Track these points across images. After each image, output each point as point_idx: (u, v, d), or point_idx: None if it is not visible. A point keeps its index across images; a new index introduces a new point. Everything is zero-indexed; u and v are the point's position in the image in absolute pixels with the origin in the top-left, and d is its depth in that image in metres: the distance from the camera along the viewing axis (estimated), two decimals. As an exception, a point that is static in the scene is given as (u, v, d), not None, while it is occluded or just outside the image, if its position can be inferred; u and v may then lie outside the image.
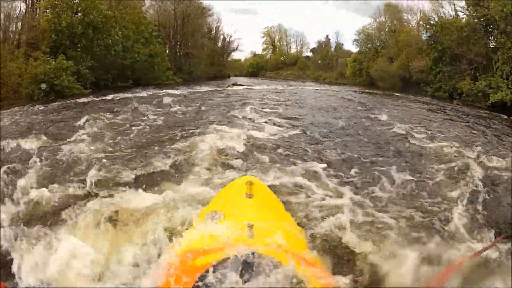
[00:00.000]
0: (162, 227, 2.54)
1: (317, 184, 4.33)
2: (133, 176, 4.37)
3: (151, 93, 15.63)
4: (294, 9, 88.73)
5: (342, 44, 45.58)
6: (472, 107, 17.45)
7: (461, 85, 21.69)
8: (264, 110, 10.91)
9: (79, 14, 17.88)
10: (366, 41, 33.75)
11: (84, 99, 13.20)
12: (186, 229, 2.09)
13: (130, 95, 14.64)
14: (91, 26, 17.94)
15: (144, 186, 3.87)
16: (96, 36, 18.38)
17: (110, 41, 18.95)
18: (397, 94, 22.65)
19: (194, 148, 5.60)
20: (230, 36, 41.43)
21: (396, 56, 28.96)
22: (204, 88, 19.03)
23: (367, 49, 33.03)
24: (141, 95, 14.93)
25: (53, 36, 16.97)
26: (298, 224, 2.49)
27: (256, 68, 49.68)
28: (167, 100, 12.59)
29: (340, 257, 2.75)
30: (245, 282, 1.00)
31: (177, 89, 17.64)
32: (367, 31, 33.87)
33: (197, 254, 1.35)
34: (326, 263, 2.57)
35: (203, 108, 11.07)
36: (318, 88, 24.39)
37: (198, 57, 31.75)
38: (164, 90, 16.66)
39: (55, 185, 3.95)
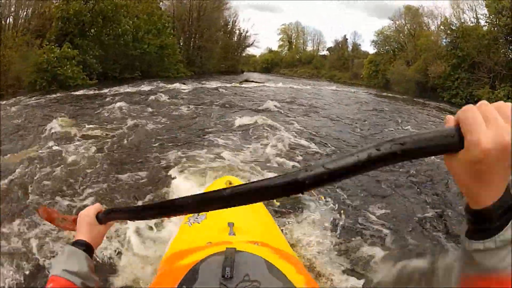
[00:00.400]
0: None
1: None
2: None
3: (154, 87, 15.08)
4: (313, 8, 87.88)
5: (359, 45, 45.10)
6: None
7: (479, 92, 20.88)
8: (283, 119, 9.33)
9: (90, 1, 17.46)
10: (384, 42, 32.84)
11: (82, 92, 12.86)
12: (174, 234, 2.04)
13: (134, 89, 14.04)
14: (101, 15, 17.61)
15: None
16: (105, 25, 18.02)
17: (119, 30, 18.57)
18: (416, 99, 21.91)
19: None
20: (247, 31, 40.94)
21: (413, 60, 28.09)
22: (213, 84, 18.01)
23: (385, 51, 32.13)
24: (146, 88, 14.44)
25: (60, 23, 16.70)
26: (279, 221, 2.62)
27: (270, 64, 49.11)
28: (166, 97, 11.85)
29: (320, 253, 2.96)
30: (228, 278, 0.96)
31: (184, 84, 16.93)
32: (385, 32, 32.92)
33: (180, 256, 1.33)
34: (304, 257, 2.81)
35: (208, 112, 9.76)
36: (336, 89, 23.36)
37: (211, 51, 31.35)
38: (170, 85, 15.95)
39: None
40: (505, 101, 0.44)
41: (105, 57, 17.91)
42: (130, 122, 7.60)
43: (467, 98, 22.09)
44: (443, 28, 26.30)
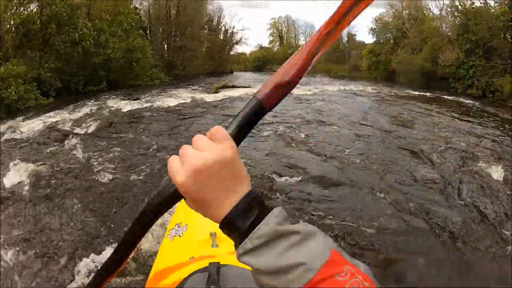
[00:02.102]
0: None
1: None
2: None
3: (101, 105, 12.04)
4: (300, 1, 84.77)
5: (355, 35, 42.43)
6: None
7: (499, 82, 18.21)
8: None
9: (40, 6, 14.50)
10: (383, 30, 29.98)
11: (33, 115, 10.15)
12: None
13: (74, 115, 10.37)
14: (54, 20, 14.73)
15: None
16: (60, 31, 15.08)
17: (76, 36, 15.60)
18: (430, 94, 18.97)
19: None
20: (233, 28, 38.14)
21: (418, 47, 25.37)
22: (181, 96, 14.09)
23: (385, 40, 29.32)
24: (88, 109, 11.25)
25: (9, 36, 13.82)
26: None
27: (262, 62, 46.15)
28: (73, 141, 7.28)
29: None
30: None
31: (138, 99, 13.46)
32: (384, 19, 30.08)
33: (164, 275, 1.30)
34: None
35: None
36: (343, 88, 19.08)
37: (195, 51, 28.51)
38: (120, 102, 12.70)
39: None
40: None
41: (63, 70, 15.05)
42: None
43: (483, 88, 19.47)
44: (450, 10, 23.43)
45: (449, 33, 22.76)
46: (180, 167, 0.46)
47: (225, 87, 16.95)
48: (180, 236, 1.60)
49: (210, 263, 1.00)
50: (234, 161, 0.46)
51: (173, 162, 0.47)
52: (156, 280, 1.29)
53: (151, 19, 26.08)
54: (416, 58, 24.33)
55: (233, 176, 0.46)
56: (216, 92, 15.51)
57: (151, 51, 20.74)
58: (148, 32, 25.49)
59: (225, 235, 0.48)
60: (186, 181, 0.45)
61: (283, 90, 0.51)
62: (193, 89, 16.70)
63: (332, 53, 40.25)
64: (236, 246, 0.46)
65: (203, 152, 0.45)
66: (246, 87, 17.93)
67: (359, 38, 41.51)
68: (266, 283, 0.43)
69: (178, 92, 15.49)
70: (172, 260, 1.39)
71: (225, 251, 1.36)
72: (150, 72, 20.08)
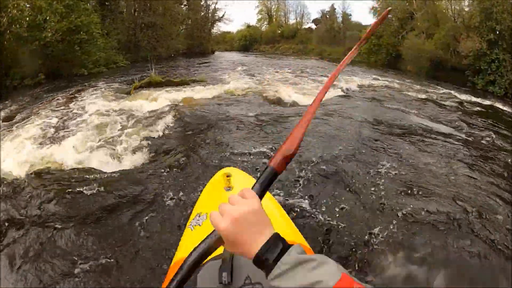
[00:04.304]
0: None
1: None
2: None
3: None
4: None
5: (350, 15, 38.33)
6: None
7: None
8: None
9: None
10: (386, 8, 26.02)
11: None
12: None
13: None
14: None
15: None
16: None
17: (4, 20, 11.53)
18: (442, 88, 14.68)
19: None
20: (216, 3, 33.80)
21: (427, 32, 21.80)
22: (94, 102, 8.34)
23: (389, 21, 25.49)
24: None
25: None
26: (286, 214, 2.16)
27: (249, 41, 42.09)
28: None
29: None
30: (226, 284, 0.98)
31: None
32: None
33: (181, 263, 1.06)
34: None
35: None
36: (351, 88, 11.54)
37: (167, 29, 24.36)
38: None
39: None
40: None
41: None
42: None
43: (505, 88, 16.23)
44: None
45: (464, 19, 19.11)
46: (222, 218, 0.65)
47: (159, 84, 10.34)
48: (199, 225, 1.63)
49: (224, 250, 1.02)
50: (260, 211, 0.67)
51: (215, 215, 0.67)
52: (175, 268, 1.12)
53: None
54: (427, 43, 20.75)
55: (260, 222, 0.65)
56: (133, 99, 8.63)
57: (100, 30, 16.15)
58: (110, 7, 21.20)
59: (257, 267, 0.63)
60: (227, 228, 0.64)
61: (288, 158, 0.76)
62: (102, 95, 9.43)
63: (325, 34, 36.53)
64: (267, 274, 0.61)
65: (238, 206, 0.66)
66: (201, 81, 11.44)
67: (354, 18, 37.70)
68: None
69: (81, 98, 9.25)
70: (190, 249, 1.05)
71: None
72: (96, 57, 15.71)
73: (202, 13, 32.56)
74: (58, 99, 9.07)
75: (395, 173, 4.32)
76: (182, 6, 29.95)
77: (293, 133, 0.77)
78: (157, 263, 2.69)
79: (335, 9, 38.06)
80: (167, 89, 9.76)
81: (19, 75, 12.03)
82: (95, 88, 10.71)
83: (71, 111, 7.68)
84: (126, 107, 7.71)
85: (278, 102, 8.97)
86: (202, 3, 32.46)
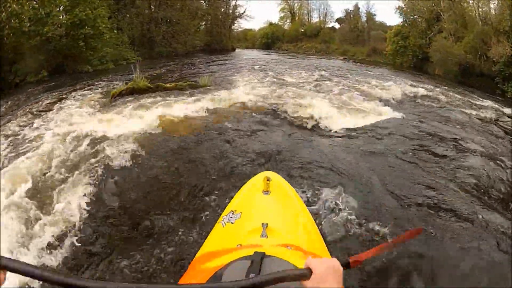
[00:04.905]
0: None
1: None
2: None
3: None
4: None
5: (374, 15, 37.04)
6: None
7: None
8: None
9: None
10: (412, 10, 24.70)
11: None
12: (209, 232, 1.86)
13: None
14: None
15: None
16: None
17: (3, 15, 10.96)
18: (471, 94, 13.40)
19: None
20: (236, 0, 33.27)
21: (454, 34, 20.38)
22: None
23: (415, 21, 24.08)
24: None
25: None
26: (319, 222, 2.46)
27: (271, 39, 41.39)
28: None
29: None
30: None
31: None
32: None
33: (208, 258, 1.34)
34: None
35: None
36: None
37: (182, 24, 23.90)
38: None
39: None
40: None
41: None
42: None
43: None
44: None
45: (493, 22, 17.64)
46: (332, 273, 0.82)
47: (137, 91, 8.28)
48: (232, 223, 1.63)
49: (255, 252, 1.05)
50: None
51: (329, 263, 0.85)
52: (200, 262, 1.33)
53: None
54: (455, 46, 19.37)
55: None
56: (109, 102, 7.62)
57: (108, 24, 15.53)
58: (125, 0, 20.92)
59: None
60: (330, 283, 0.80)
61: (359, 262, 0.96)
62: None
63: (349, 33, 35.42)
64: None
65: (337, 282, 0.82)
66: (180, 89, 8.82)
67: (378, 18, 36.47)
68: None
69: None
70: (219, 245, 1.40)
71: (273, 243, 1.38)
72: (102, 53, 15.13)
73: (222, 9, 32.05)
74: (33, 107, 7.47)
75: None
76: (202, 1, 29.51)
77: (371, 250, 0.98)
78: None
79: (359, 8, 37.07)
80: (152, 97, 7.75)
81: (22, 71, 11.77)
82: (84, 91, 9.34)
83: (30, 127, 5.92)
84: (92, 127, 5.53)
85: (310, 126, 6.52)
86: (222, -1, 31.99)
